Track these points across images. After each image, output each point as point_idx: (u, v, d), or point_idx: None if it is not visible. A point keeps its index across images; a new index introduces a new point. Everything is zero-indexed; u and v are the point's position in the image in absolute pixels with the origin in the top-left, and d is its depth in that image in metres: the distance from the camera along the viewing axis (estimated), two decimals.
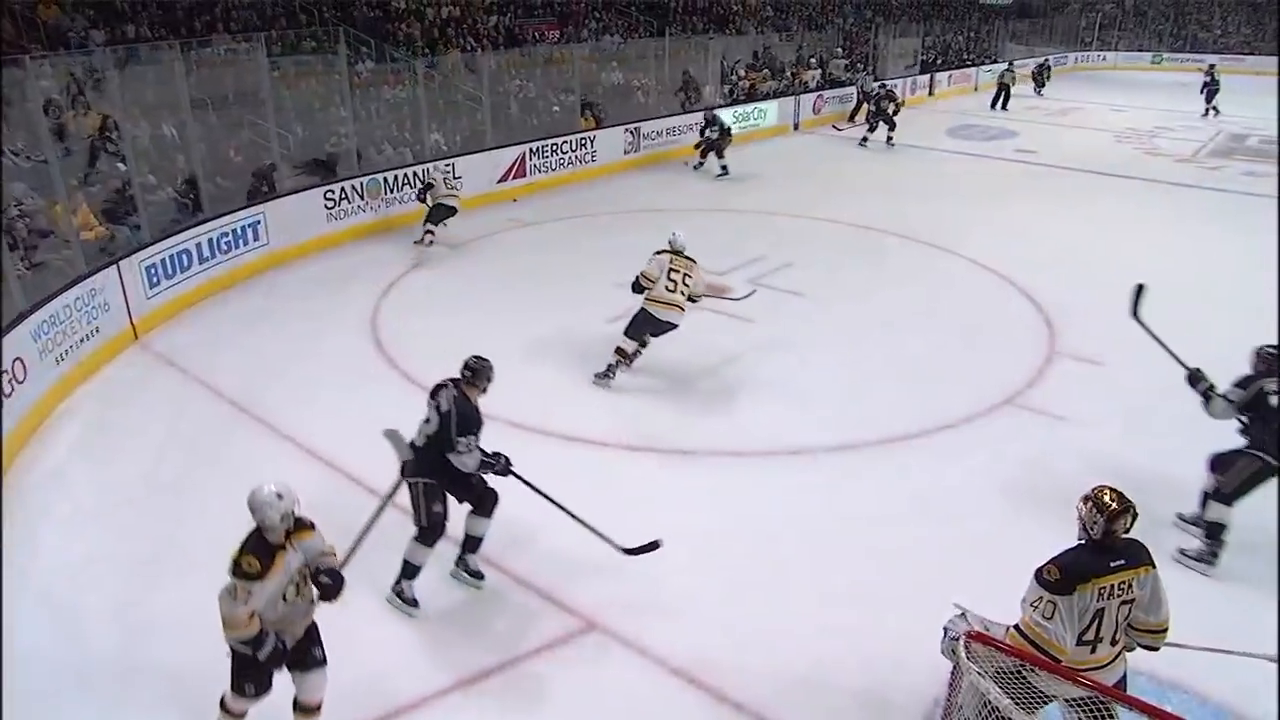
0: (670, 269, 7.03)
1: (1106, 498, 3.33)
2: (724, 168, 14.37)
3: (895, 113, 17.02)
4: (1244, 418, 5.13)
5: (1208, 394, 5.27)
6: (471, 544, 4.89)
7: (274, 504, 3.41)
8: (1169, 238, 11.33)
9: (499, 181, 12.66)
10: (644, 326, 7.08)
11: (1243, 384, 5.13)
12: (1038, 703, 3.18)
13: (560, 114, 14.73)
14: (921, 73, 24.27)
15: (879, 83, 19.03)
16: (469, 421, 4.53)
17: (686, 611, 4.71)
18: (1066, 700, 3.31)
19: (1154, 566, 3.37)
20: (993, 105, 22.22)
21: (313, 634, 3.71)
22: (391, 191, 11.22)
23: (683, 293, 7.02)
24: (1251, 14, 36.63)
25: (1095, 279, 9.62)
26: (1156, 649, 3.49)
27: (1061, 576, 3.23)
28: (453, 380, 4.65)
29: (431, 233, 10.20)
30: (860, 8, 29.37)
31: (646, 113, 15.85)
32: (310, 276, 9.65)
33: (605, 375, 7.15)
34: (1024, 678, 3.19)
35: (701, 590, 4.87)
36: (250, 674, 3.58)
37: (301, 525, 3.58)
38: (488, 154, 12.61)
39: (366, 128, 12.07)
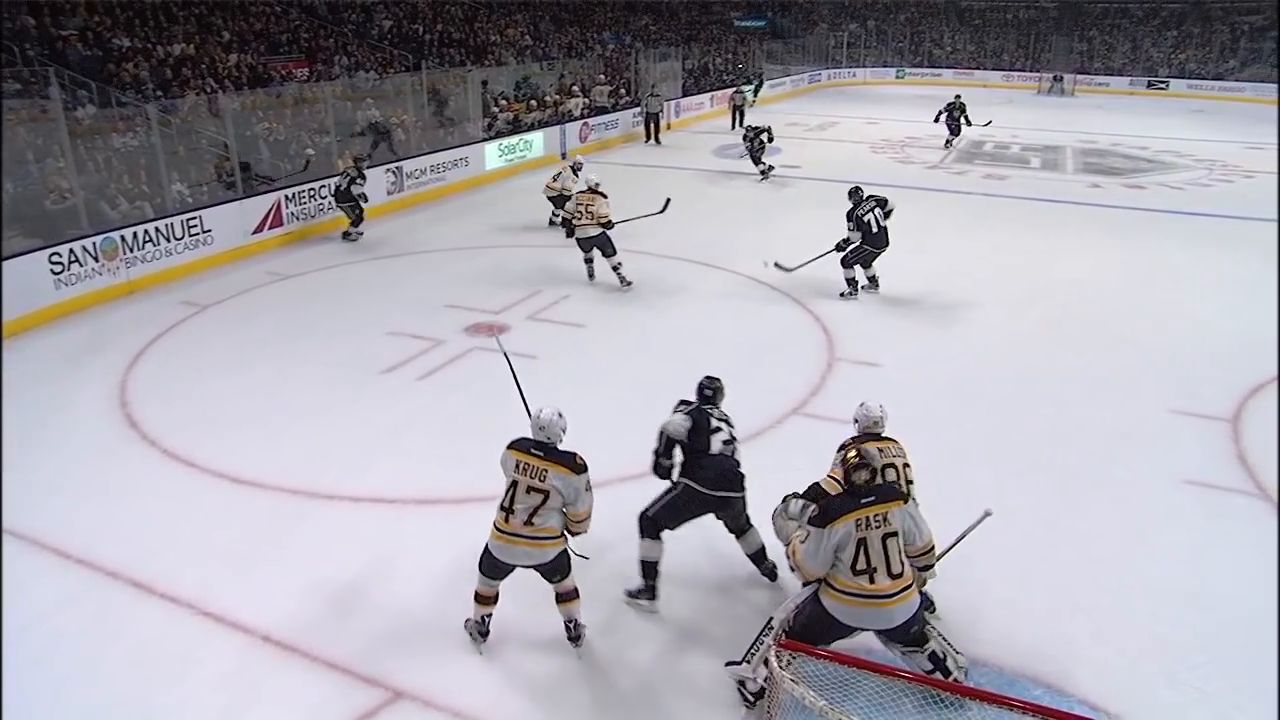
0: (579, 204, 10.16)
1: (850, 454, 4.13)
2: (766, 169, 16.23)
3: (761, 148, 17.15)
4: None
5: None
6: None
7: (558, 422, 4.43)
8: (924, 240, 12.18)
9: (254, 232, 11.88)
10: (579, 246, 10.24)
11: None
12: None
13: (316, 156, 14.09)
14: (684, 95, 25.26)
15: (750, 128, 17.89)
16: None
17: (497, 670, 4.56)
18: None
19: (905, 501, 4.11)
20: (732, 126, 22.86)
21: None
22: (132, 250, 10.23)
23: (590, 217, 9.95)
24: (974, 34, 41.50)
25: (862, 286, 10.38)
26: (930, 567, 4.25)
27: (820, 513, 4.04)
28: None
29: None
30: (619, 34, 30.23)
31: (408, 150, 15.48)
32: (40, 353, 8.56)
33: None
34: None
35: (521, 654, 4.73)
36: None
37: None
38: (239, 204, 11.80)
39: (94, 180, 10.98)
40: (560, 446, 4.43)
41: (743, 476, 5.00)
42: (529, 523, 4.33)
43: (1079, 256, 12.03)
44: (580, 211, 10.08)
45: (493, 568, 4.51)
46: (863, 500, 4.00)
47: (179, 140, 12.46)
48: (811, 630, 4.00)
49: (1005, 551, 5.44)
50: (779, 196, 15.84)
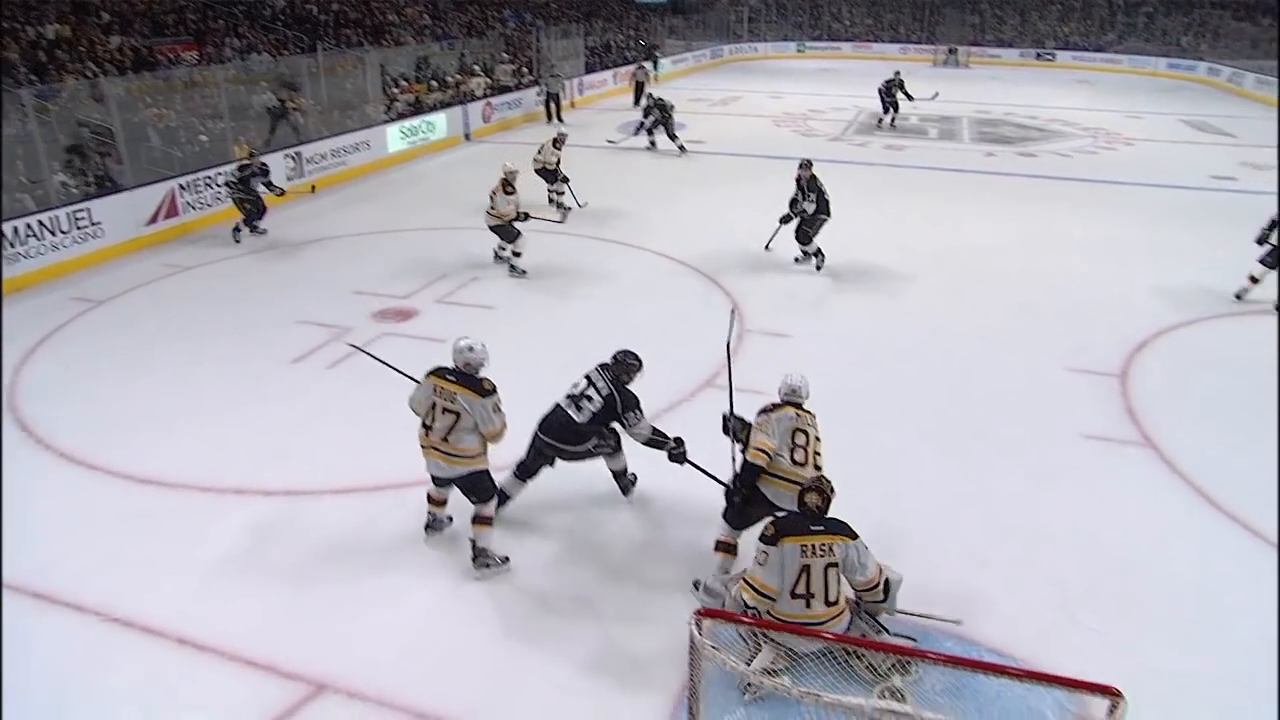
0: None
1: (817, 480, 4.21)
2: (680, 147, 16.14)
3: (661, 121, 17.03)
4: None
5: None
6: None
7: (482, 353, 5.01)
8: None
9: (148, 224, 11.39)
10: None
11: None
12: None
13: (210, 143, 13.57)
14: (587, 72, 25.10)
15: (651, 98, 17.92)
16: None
17: (427, 653, 4.53)
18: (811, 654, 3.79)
19: (853, 539, 4.11)
20: (635, 103, 22.33)
21: None
22: (14, 246, 9.71)
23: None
24: (871, 7, 42.40)
25: (773, 257, 10.56)
26: (882, 601, 4.25)
27: (773, 531, 4.11)
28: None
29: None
30: (520, 12, 29.81)
31: (306, 134, 15.03)
32: None
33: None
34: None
35: (439, 630, 4.72)
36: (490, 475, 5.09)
37: None
38: (129, 195, 11.29)
39: None
40: (479, 374, 4.97)
41: (575, 432, 5.33)
42: (445, 440, 4.92)
43: (977, 223, 12.46)
44: (490, 199, 9.88)
45: (431, 475, 5.18)
46: (812, 527, 4.11)
47: (59, 128, 11.84)
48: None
49: (916, 513, 5.65)
50: (685, 172, 15.92)
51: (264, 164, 11.31)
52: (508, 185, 9.76)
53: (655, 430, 5.43)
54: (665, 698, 4.20)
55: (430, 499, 5.40)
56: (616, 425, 5.42)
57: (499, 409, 4.97)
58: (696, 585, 4.95)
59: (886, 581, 4.25)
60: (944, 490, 5.98)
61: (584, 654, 4.55)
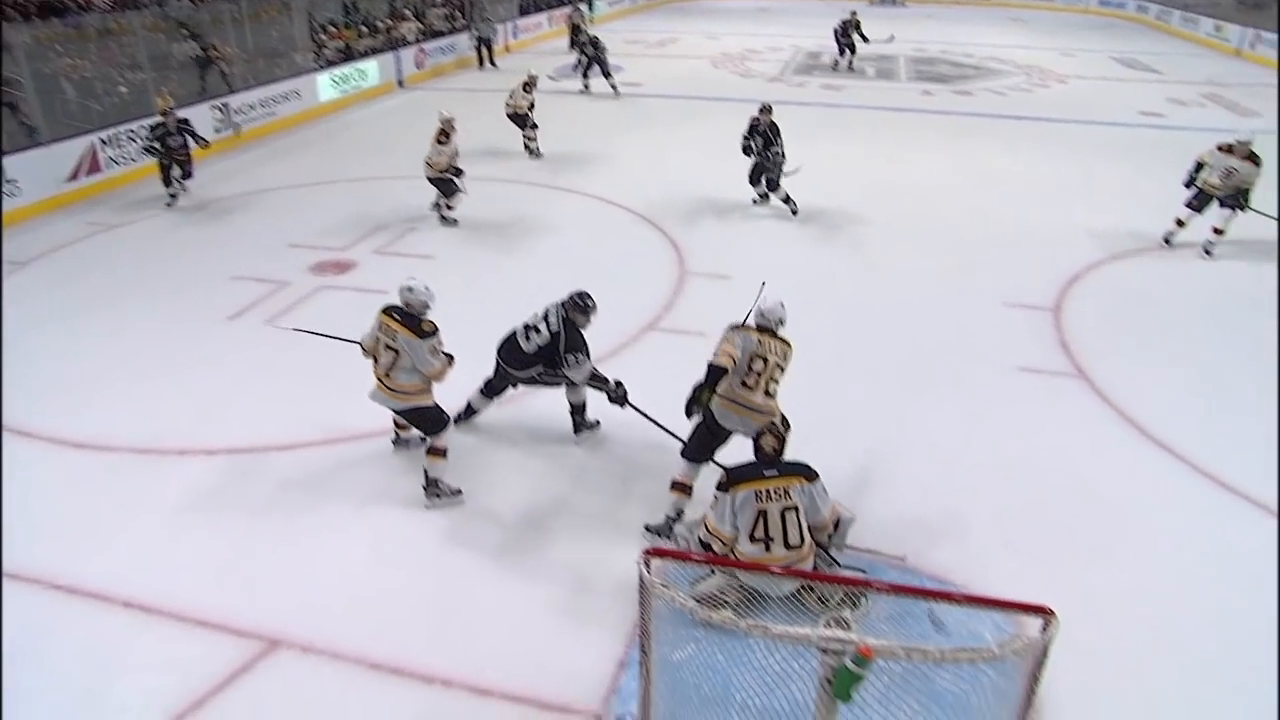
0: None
1: (770, 425, 4.29)
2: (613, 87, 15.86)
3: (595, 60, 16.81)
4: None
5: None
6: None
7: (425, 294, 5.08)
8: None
9: (69, 180, 10.95)
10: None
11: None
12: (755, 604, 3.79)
13: (131, 95, 13.03)
14: (521, 14, 24.52)
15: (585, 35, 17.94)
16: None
17: (379, 602, 4.55)
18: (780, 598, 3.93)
19: (811, 480, 4.20)
20: (570, 46, 21.56)
21: None
22: None
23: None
24: None
25: (711, 199, 10.57)
26: (832, 542, 4.38)
27: (726, 479, 4.20)
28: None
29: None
30: None
31: (234, 84, 14.51)
32: None
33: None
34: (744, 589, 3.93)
35: (390, 579, 4.73)
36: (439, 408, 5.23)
37: None
38: (45, 150, 10.82)
39: None
40: (424, 314, 5.11)
41: (520, 359, 5.56)
42: (388, 374, 5.10)
43: (915, 162, 12.57)
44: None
45: None
46: (765, 471, 4.18)
47: None
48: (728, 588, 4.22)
49: (860, 451, 5.78)
50: (623, 115, 15.76)
51: (183, 119, 10.54)
52: (442, 135, 9.54)
53: (595, 373, 5.51)
54: (618, 637, 4.29)
55: (394, 421, 5.65)
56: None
57: (436, 351, 5.07)
58: (648, 529, 5.03)
59: (839, 521, 4.36)
60: (885, 424, 6.12)
61: (537, 595, 4.61)
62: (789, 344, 5.11)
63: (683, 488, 5.08)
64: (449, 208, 9.88)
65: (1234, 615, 4.54)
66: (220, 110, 13.53)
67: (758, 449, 4.29)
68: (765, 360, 4.94)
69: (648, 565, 2.96)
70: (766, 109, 9.97)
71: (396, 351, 5.04)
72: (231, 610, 4.47)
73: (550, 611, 4.51)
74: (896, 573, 4.67)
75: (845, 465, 5.53)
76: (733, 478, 4.20)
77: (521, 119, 12.65)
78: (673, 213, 10.20)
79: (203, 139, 10.80)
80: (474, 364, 5.70)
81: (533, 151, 12.73)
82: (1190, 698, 4.07)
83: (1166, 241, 9.36)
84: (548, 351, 5.47)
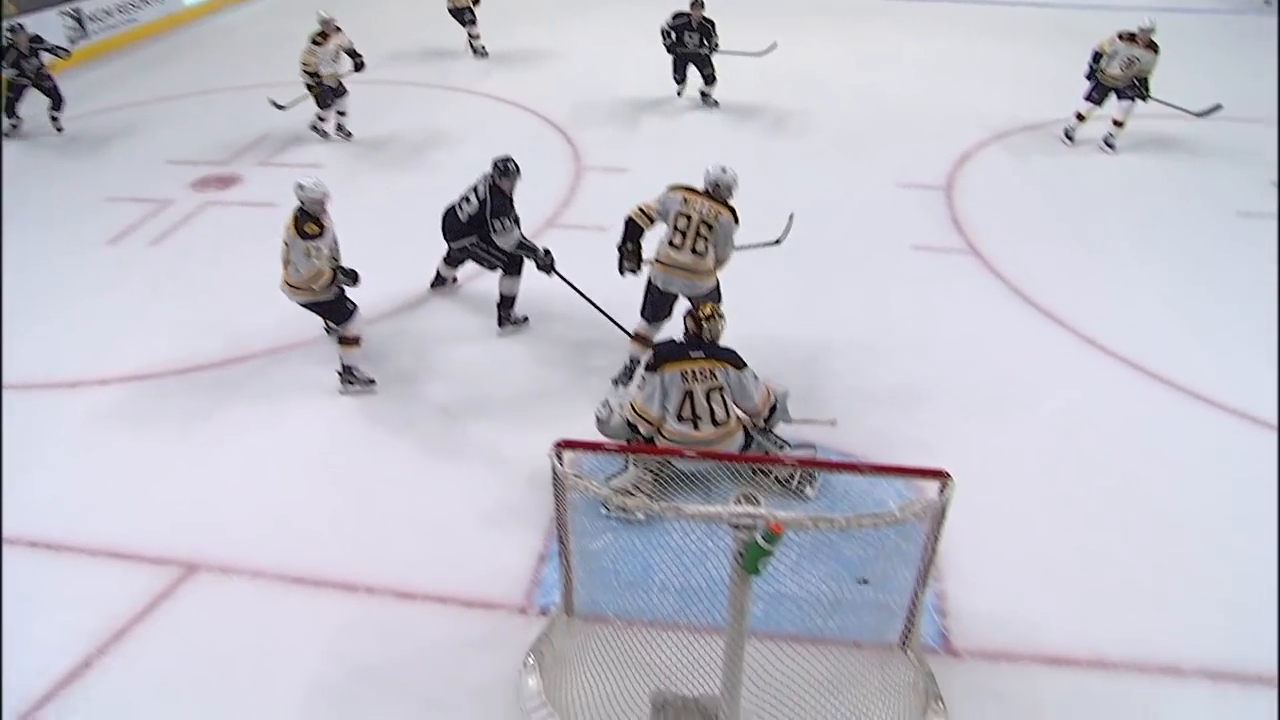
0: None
1: (690, 310, 4.38)
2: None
3: None
4: None
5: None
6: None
7: (314, 189, 5.03)
8: (653, 38, 11.28)
9: None
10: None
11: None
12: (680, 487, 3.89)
13: None
14: None
15: None
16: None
17: (296, 516, 4.53)
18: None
19: (737, 367, 4.30)
20: None
21: None
22: None
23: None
24: None
25: (597, 90, 10.35)
26: (760, 425, 4.48)
27: (654, 359, 4.34)
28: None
29: None
30: None
31: None
32: None
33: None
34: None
35: (306, 491, 4.71)
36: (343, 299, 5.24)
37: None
38: None
39: None
40: (317, 212, 5.10)
41: (455, 229, 5.78)
42: (285, 268, 5.15)
43: (807, 45, 12.45)
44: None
45: None
46: (692, 353, 4.28)
47: None
48: (655, 468, 4.31)
49: (762, 339, 5.86)
50: (511, 4, 15.12)
51: (34, 36, 9.52)
52: (320, 36, 8.90)
53: (523, 240, 5.66)
54: (538, 530, 4.38)
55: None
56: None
57: (310, 254, 5.02)
58: (614, 381, 5.45)
59: (775, 403, 4.47)
60: (785, 306, 6.26)
61: (456, 495, 4.65)
62: (726, 207, 5.20)
63: (642, 339, 5.38)
64: (320, 118, 9.28)
65: (1115, 469, 4.87)
66: (72, 17, 12.51)
67: (685, 329, 4.38)
68: (689, 218, 5.07)
69: (560, 458, 3.01)
70: (698, 3, 9.69)
71: (287, 245, 5.09)
72: (144, 538, 4.39)
73: (470, 510, 4.55)
74: (804, 449, 4.83)
75: (746, 343, 5.61)
76: (660, 358, 4.31)
77: (460, 13, 11.77)
78: (567, 106, 9.98)
79: (63, 49, 9.95)
80: (366, 266, 5.57)
81: (477, 51, 12.03)
82: (1078, 547, 4.38)
83: (1068, 136, 9.14)
84: (479, 220, 5.64)
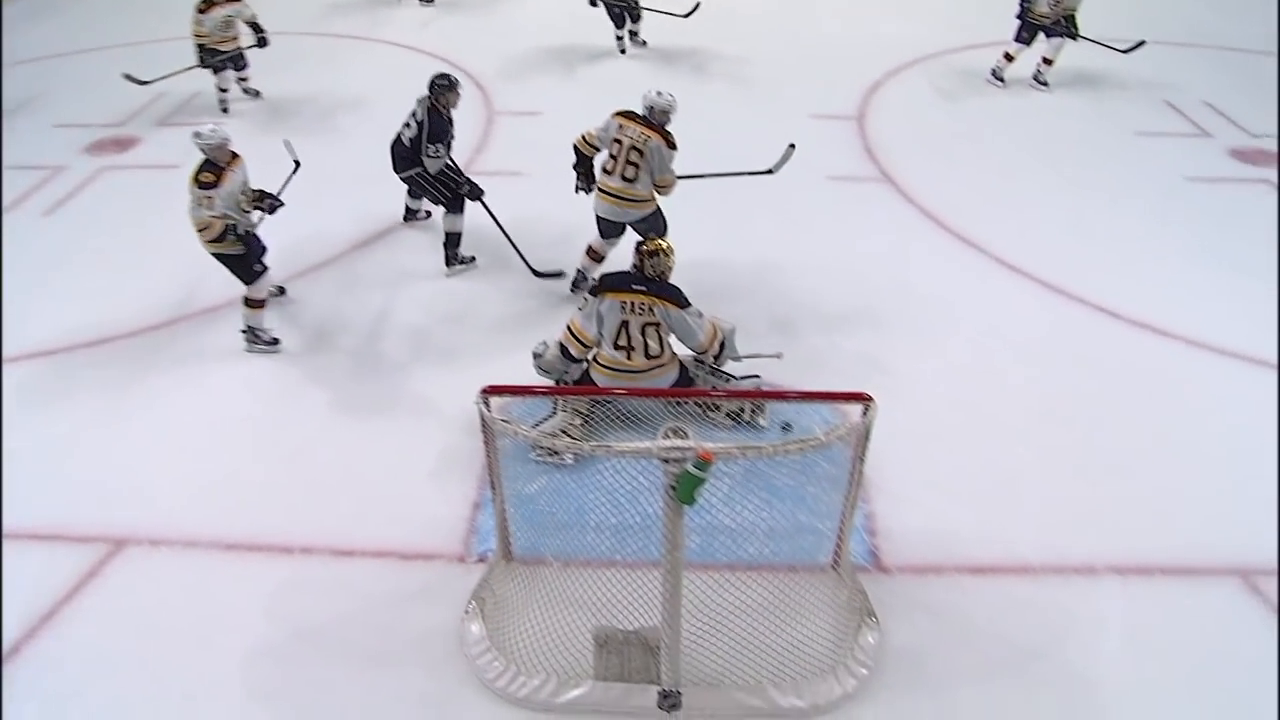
0: None
1: (639, 242, 4.41)
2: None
3: None
4: None
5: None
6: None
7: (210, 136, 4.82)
8: None
9: None
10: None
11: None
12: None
13: None
14: None
15: None
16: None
17: (224, 483, 4.45)
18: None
19: (678, 306, 4.29)
20: None
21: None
22: None
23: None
24: None
25: (517, 34, 10.12)
26: (705, 361, 4.51)
27: (598, 285, 4.36)
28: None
29: None
30: None
31: None
32: None
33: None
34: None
35: (232, 457, 4.62)
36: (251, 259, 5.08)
37: (236, 156, 4.98)
38: None
39: None
40: (217, 160, 4.93)
41: (401, 156, 5.74)
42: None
43: None
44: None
45: None
46: (634, 285, 4.30)
47: None
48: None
49: (684, 272, 5.90)
50: None
51: None
52: (201, 4, 8.12)
53: (451, 166, 5.73)
54: (472, 479, 4.38)
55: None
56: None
57: (201, 203, 4.86)
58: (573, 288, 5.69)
59: (723, 340, 4.51)
60: (703, 239, 6.23)
61: (388, 447, 4.63)
62: (658, 132, 5.23)
63: (593, 254, 5.62)
64: (221, 89, 8.57)
65: (1031, 385, 5.07)
66: None
67: (635, 264, 4.39)
68: (620, 144, 5.18)
69: (487, 404, 3.01)
70: None
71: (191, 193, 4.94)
72: (68, 517, 4.27)
73: (404, 462, 4.53)
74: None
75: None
76: (604, 284, 4.36)
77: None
78: (473, 51, 9.72)
79: None
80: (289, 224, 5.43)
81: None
82: (998, 461, 4.57)
83: (996, 77, 8.98)
84: (420, 145, 5.61)
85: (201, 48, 8.30)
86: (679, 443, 2.67)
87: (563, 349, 4.44)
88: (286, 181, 5.42)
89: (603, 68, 9.55)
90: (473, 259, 6.07)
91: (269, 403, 4.99)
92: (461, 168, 6.03)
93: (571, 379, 4.54)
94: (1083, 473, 4.49)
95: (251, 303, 5.23)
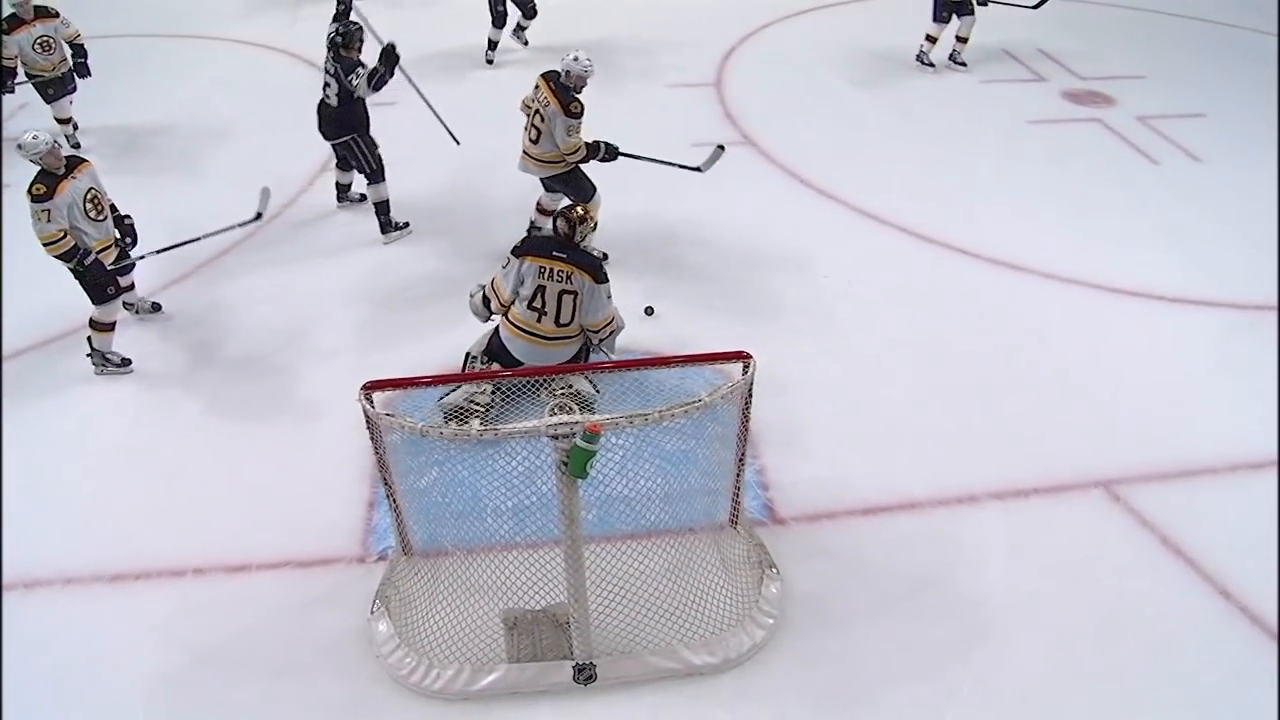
0: None
1: (564, 208, 4.51)
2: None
3: None
4: None
5: None
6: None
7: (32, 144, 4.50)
8: None
9: None
10: None
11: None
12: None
13: None
14: None
15: None
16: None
17: (100, 518, 4.23)
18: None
19: (595, 281, 4.30)
20: None
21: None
22: None
23: None
24: None
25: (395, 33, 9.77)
26: (599, 341, 4.51)
27: (520, 246, 4.41)
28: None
29: None
30: None
31: None
32: None
33: None
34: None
35: (115, 492, 4.39)
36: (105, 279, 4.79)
37: (80, 160, 4.75)
38: None
39: None
40: (57, 172, 4.65)
41: (330, 120, 5.81)
42: None
43: None
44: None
45: None
46: (556, 252, 4.33)
47: None
48: (494, 353, 4.55)
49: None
50: None
51: None
52: (4, 24, 6.92)
53: (372, 71, 5.58)
54: (364, 478, 4.31)
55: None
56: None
57: (39, 217, 4.56)
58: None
59: (614, 330, 4.56)
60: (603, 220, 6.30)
61: (273, 455, 4.51)
62: (559, 100, 5.29)
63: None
64: (58, 120, 7.45)
65: (899, 324, 5.32)
66: None
67: (555, 229, 4.45)
68: (529, 106, 5.41)
69: (370, 400, 2.97)
70: None
71: None
72: None
73: (290, 468, 4.41)
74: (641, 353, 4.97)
75: None
76: (525, 247, 4.40)
77: None
78: (389, 7, 9.32)
79: None
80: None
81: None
82: (875, 402, 4.78)
83: (922, 61, 8.76)
84: (345, 96, 5.65)
85: (29, 76, 7.15)
86: (566, 418, 2.70)
87: (485, 303, 4.52)
88: (227, 229, 5.39)
89: (463, 54, 9.32)
90: (406, 225, 6.14)
91: (143, 423, 4.75)
92: (323, 166, 5.89)
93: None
94: (956, 407, 4.74)
95: (98, 325, 4.94)
